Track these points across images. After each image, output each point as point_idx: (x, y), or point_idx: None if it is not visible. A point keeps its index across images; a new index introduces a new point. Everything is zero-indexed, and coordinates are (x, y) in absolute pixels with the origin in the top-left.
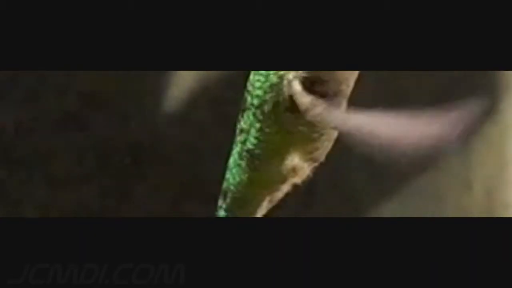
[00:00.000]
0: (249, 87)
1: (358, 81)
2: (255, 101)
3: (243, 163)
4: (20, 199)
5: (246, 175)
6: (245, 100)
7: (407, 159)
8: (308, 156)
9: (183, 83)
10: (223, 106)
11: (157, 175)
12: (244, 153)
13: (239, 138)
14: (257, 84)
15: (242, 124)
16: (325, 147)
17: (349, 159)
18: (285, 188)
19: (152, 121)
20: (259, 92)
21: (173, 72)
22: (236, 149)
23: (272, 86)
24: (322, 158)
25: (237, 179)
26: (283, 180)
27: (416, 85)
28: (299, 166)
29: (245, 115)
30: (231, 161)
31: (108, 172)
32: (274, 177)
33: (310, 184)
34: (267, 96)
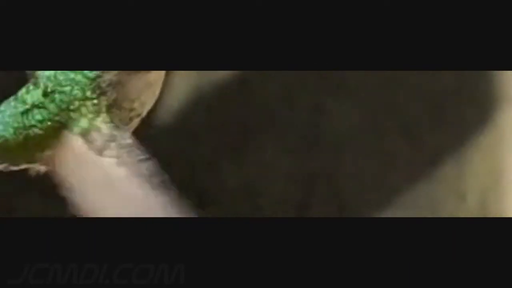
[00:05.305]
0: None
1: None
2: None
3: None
4: (13, 209)
5: None
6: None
7: None
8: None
9: (177, 91)
10: (218, 114)
11: None
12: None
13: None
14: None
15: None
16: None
17: (343, 170)
18: None
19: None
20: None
21: (168, 81)
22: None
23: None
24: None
25: None
26: None
27: (408, 96)
28: None
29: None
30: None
31: None
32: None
33: (304, 196)
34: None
